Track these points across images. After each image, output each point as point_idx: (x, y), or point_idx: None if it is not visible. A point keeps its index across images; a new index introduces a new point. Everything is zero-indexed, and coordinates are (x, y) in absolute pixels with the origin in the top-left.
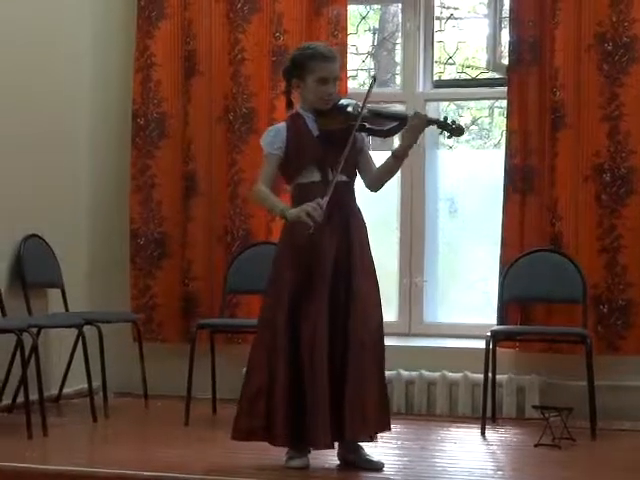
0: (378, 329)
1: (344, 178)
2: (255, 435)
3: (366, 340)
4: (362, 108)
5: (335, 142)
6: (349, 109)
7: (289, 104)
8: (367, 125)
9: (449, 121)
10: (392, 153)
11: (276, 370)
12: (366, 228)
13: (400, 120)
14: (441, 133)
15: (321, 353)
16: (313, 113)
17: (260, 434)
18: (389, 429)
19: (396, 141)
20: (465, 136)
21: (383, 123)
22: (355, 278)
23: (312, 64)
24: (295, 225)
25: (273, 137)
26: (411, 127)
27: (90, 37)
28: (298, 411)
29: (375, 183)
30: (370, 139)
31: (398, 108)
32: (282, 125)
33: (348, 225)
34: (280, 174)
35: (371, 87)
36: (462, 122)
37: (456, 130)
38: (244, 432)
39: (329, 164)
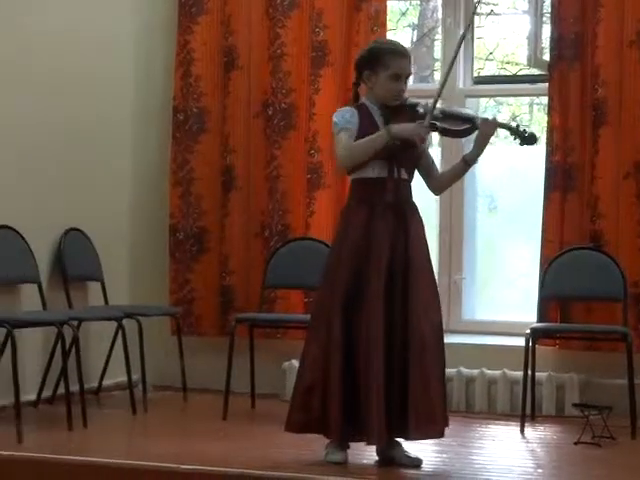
0: (438, 328)
1: (405, 176)
2: (309, 428)
3: (428, 339)
4: (434, 107)
5: (400, 140)
6: (419, 108)
7: (356, 97)
8: (439, 125)
9: (521, 128)
10: (463, 158)
11: (331, 365)
12: (424, 226)
13: (471, 122)
14: (514, 140)
15: (377, 349)
16: (380, 107)
17: (314, 427)
18: (448, 425)
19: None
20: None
21: (454, 124)
22: (413, 276)
23: (388, 59)
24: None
25: (350, 115)
26: (483, 134)
27: (132, 33)
28: (352, 406)
29: (440, 187)
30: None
31: (467, 110)
32: (354, 109)
33: (406, 222)
34: None
35: (440, 91)
36: (502, 119)
37: (529, 138)
38: (298, 425)
39: (395, 161)
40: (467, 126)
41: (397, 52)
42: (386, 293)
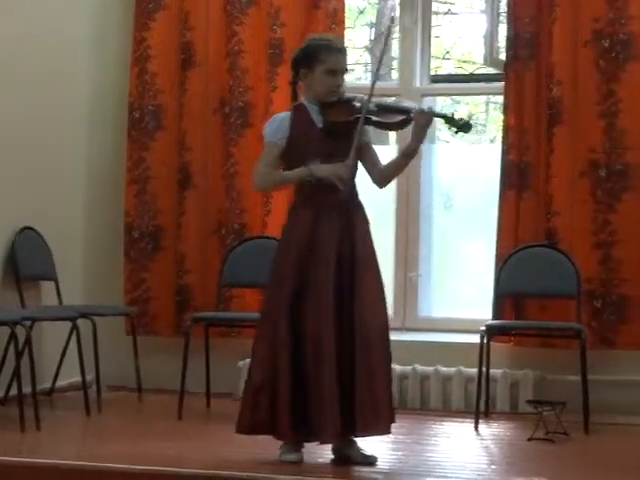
0: (384, 325)
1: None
2: (259, 429)
3: (373, 336)
4: (368, 100)
5: (339, 135)
6: (355, 102)
7: (294, 95)
8: (373, 118)
9: (457, 117)
10: (402, 151)
11: (279, 364)
12: (369, 222)
13: (407, 114)
14: (449, 129)
15: (329, 348)
16: (318, 105)
17: (264, 428)
18: (394, 421)
19: (391, 135)
20: (471, 131)
21: (389, 116)
22: (359, 273)
23: (323, 55)
24: (317, 189)
25: (277, 126)
26: (419, 125)
27: (87, 29)
28: (302, 406)
29: (383, 179)
30: (372, 132)
31: (405, 102)
32: (286, 114)
33: (351, 219)
34: (283, 166)
35: (373, 84)
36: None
37: (464, 126)
38: (248, 426)
39: (333, 157)
40: (402, 118)
41: (331, 48)
42: (334, 291)
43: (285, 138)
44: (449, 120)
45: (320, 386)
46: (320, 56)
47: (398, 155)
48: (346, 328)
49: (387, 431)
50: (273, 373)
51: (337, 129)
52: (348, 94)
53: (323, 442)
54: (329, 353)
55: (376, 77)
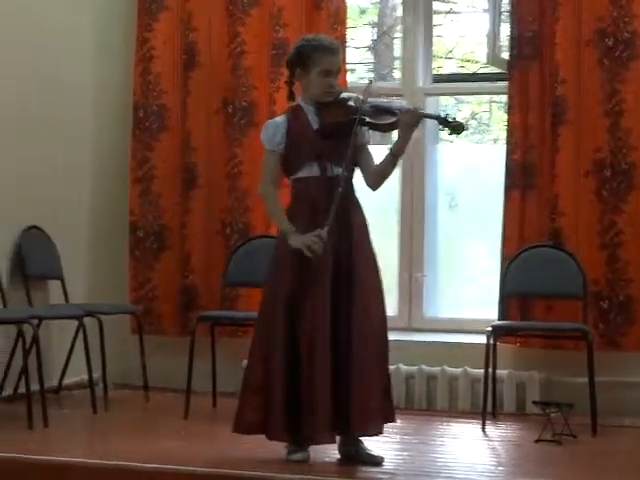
0: (381, 324)
1: (340, 173)
2: (255, 428)
3: (369, 335)
4: (363, 102)
5: (335, 136)
6: (350, 102)
7: (291, 95)
8: (367, 119)
9: (449, 118)
10: (389, 151)
11: (274, 365)
12: (367, 223)
13: (397, 115)
14: (442, 130)
15: (323, 349)
16: (314, 106)
17: (259, 428)
18: (394, 420)
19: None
20: (464, 132)
21: (384, 117)
22: (357, 273)
23: (316, 56)
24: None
25: (273, 133)
26: (403, 124)
27: (90, 29)
28: (296, 407)
29: (374, 181)
30: (370, 134)
31: (400, 102)
32: (281, 119)
33: (349, 220)
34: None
35: (368, 85)
36: (462, 118)
37: (456, 127)
38: (244, 425)
39: (328, 158)
40: (394, 119)
41: (325, 48)
42: (331, 292)
43: (282, 143)
44: (441, 121)
45: (313, 387)
46: (314, 57)
47: (386, 155)
48: (343, 328)
49: (379, 432)
50: (268, 374)
51: (332, 130)
52: (344, 94)
53: (315, 443)
54: (323, 354)
55: (371, 80)
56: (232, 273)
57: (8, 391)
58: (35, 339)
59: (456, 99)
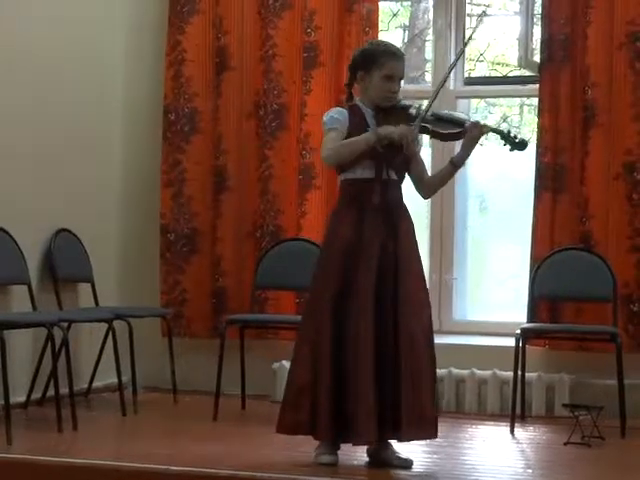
0: (429, 328)
1: (394, 177)
2: (299, 429)
3: (418, 340)
4: (426, 110)
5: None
6: (411, 110)
7: (350, 97)
8: (430, 127)
9: (512, 134)
10: (450, 161)
11: (320, 366)
12: (414, 227)
13: (462, 126)
14: (504, 145)
15: (366, 349)
16: (373, 109)
17: (305, 428)
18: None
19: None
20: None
21: (445, 127)
22: (404, 278)
23: (382, 59)
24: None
25: (338, 117)
26: (470, 137)
27: (122, 33)
28: (342, 407)
29: (429, 190)
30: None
31: (459, 114)
32: (345, 110)
33: (396, 223)
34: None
35: (435, 94)
36: (493, 121)
37: (519, 144)
38: (289, 426)
39: (384, 162)
40: (458, 130)
41: (391, 53)
42: (376, 294)
43: (345, 129)
44: (504, 136)
45: (358, 388)
46: (379, 60)
47: (446, 165)
48: (389, 331)
49: (432, 436)
50: (315, 374)
51: None
52: (404, 101)
53: (356, 443)
54: (368, 356)
55: (440, 87)
56: (262, 276)
57: (37, 394)
58: (65, 342)
59: (487, 102)
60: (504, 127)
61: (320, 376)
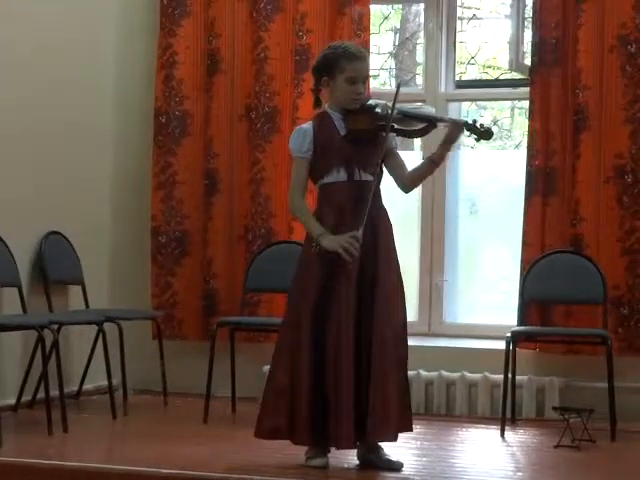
0: (401, 330)
1: (368, 178)
2: (278, 433)
3: (388, 340)
4: (392, 109)
5: (362, 142)
6: (378, 109)
7: (317, 102)
8: (396, 126)
9: (477, 124)
10: (429, 157)
11: (299, 370)
12: (392, 229)
13: (428, 122)
14: (469, 135)
15: (347, 353)
16: (341, 112)
17: (283, 433)
18: (410, 429)
19: (416, 141)
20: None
21: (411, 124)
22: (380, 279)
23: (343, 63)
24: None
25: (301, 140)
26: (452, 135)
27: (113, 35)
28: (321, 411)
29: (409, 185)
30: (398, 139)
31: (426, 109)
32: (308, 126)
33: (375, 225)
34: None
35: (397, 92)
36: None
37: (484, 133)
38: (267, 430)
39: (356, 164)
40: (423, 125)
41: (352, 55)
42: (356, 297)
43: (311, 150)
44: (469, 127)
45: (338, 393)
46: (340, 64)
47: (424, 161)
48: (365, 332)
49: (394, 439)
50: (294, 379)
51: (360, 136)
52: (371, 101)
53: (339, 448)
54: (348, 360)
55: (399, 87)
56: (253, 279)
57: (28, 396)
58: (55, 344)
59: (478, 105)
60: (469, 119)
61: (300, 380)
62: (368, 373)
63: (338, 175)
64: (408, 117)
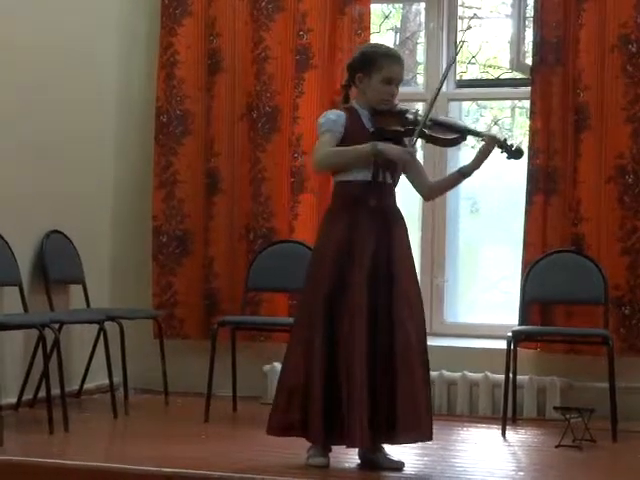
0: (423, 331)
1: (389, 180)
2: (291, 431)
3: (414, 343)
4: (426, 115)
5: (388, 142)
6: (408, 115)
7: (346, 98)
8: (427, 132)
9: (509, 142)
10: (459, 170)
11: (312, 367)
12: (407, 231)
13: (461, 133)
14: (501, 152)
15: (360, 349)
16: (369, 111)
17: (296, 430)
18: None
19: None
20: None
21: (443, 132)
22: (397, 280)
23: (382, 62)
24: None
25: (335, 119)
26: (486, 149)
27: (114, 34)
28: (334, 408)
29: (432, 194)
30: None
31: (456, 121)
32: (341, 112)
33: (389, 227)
34: None
35: (433, 100)
36: (484, 123)
37: (515, 152)
38: (280, 428)
39: (381, 164)
40: (455, 136)
41: (391, 56)
42: (370, 296)
43: (341, 132)
44: (501, 144)
45: (351, 391)
46: (378, 63)
47: (453, 173)
48: (383, 335)
49: (428, 438)
50: (307, 376)
51: (387, 136)
52: (400, 106)
53: (350, 446)
54: (361, 356)
55: (437, 92)
56: (254, 278)
57: (29, 395)
58: (56, 343)
59: (478, 104)
60: (500, 136)
61: (312, 378)
62: (394, 374)
63: (362, 173)
64: (440, 125)
